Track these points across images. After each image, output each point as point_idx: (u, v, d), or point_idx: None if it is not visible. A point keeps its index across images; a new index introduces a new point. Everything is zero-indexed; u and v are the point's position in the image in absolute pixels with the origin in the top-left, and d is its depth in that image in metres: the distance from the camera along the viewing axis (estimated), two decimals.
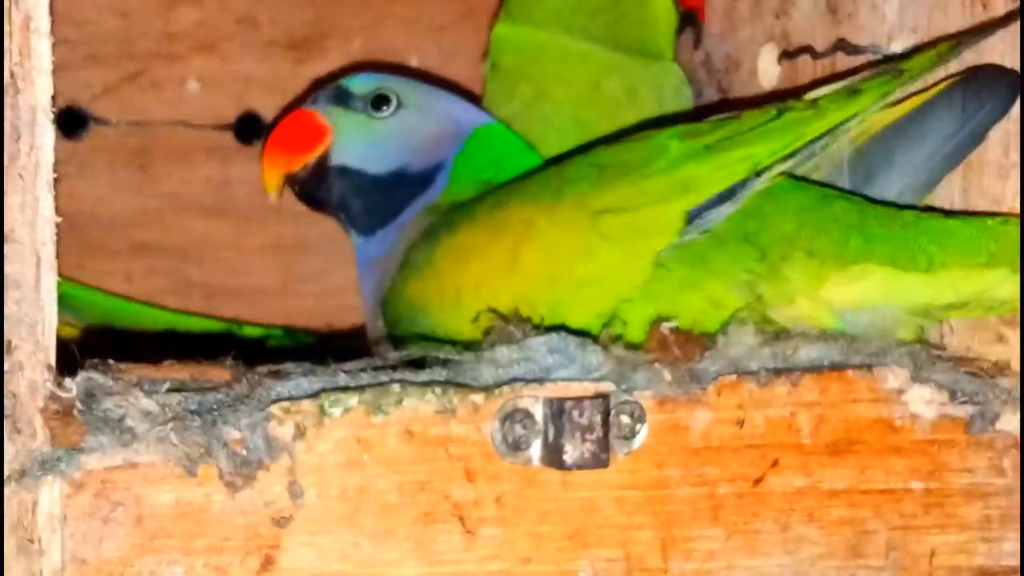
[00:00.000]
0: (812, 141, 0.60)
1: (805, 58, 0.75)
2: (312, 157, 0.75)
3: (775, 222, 0.60)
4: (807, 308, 0.59)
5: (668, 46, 0.81)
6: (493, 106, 0.80)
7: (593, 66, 0.79)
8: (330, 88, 0.76)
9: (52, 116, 0.49)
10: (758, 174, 0.60)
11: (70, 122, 0.90)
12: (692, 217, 0.59)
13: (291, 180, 0.75)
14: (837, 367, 0.57)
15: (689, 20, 0.82)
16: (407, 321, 0.65)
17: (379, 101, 0.74)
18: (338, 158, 0.74)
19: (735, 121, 0.62)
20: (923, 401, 0.57)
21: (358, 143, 0.74)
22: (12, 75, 0.48)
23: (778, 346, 0.57)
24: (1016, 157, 0.61)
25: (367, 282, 0.73)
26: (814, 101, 0.62)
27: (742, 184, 0.60)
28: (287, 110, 0.84)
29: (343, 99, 0.75)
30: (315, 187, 0.75)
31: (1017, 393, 0.58)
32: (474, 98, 0.83)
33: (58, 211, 0.50)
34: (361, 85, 0.75)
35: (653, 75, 0.80)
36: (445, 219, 0.68)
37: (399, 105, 0.74)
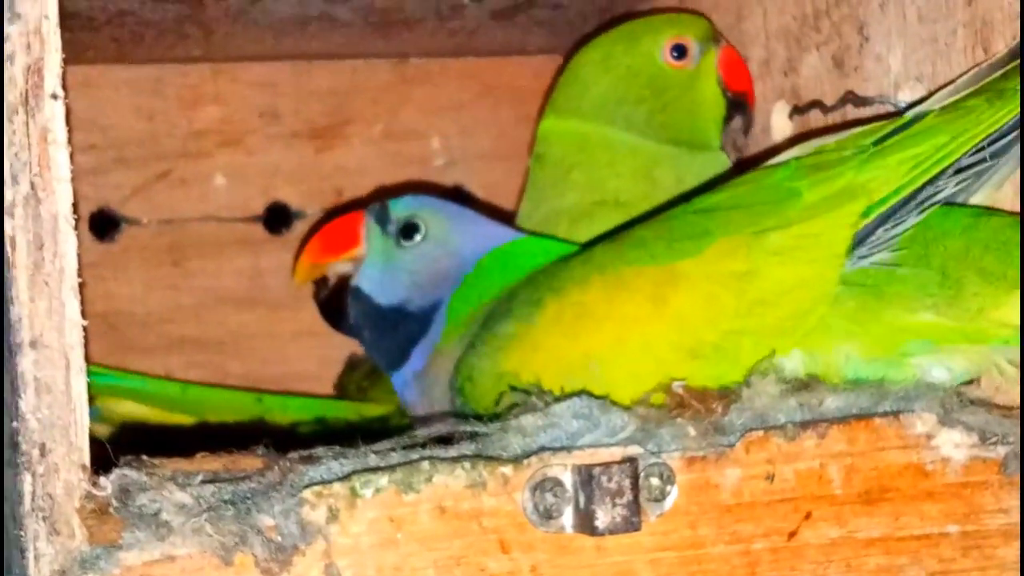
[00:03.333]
0: (988, 138, 0.58)
1: (815, 113, 0.76)
2: (338, 260, 0.74)
3: (943, 245, 0.60)
4: (991, 330, 0.59)
5: (715, 135, 0.80)
6: (540, 198, 0.80)
7: (642, 157, 0.78)
8: (380, 204, 0.74)
9: (74, 223, 0.50)
10: (934, 180, 0.58)
11: (102, 225, 0.92)
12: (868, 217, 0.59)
13: (316, 289, 0.76)
14: (864, 416, 0.57)
15: (738, 107, 0.80)
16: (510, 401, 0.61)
17: (409, 229, 0.73)
18: (359, 279, 0.74)
19: (859, 135, 0.61)
20: (953, 444, 0.57)
21: (379, 269, 0.73)
22: (33, 186, 0.49)
23: (804, 396, 0.57)
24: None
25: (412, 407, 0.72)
26: (954, 104, 0.60)
27: (919, 191, 0.58)
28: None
29: (383, 219, 0.74)
30: (334, 303, 0.75)
31: None
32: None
33: (95, 312, 0.51)
34: (400, 209, 0.74)
35: (699, 165, 0.79)
36: (516, 297, 0.65)
37: (424, 236, 0.72)
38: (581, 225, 0.76)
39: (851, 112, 0.73)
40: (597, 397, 0.55)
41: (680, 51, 0.78)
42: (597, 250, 0.64)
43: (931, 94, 0.63)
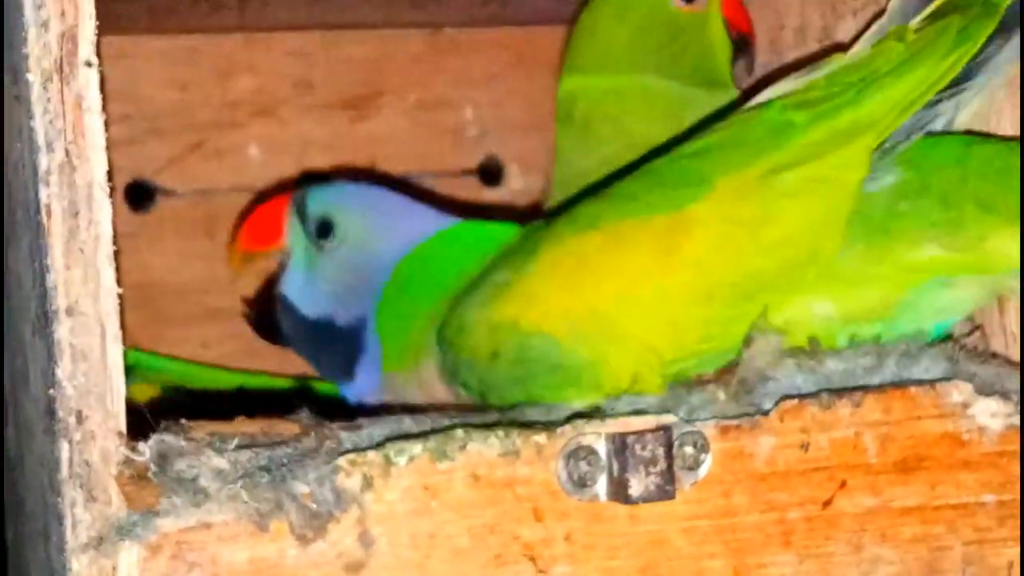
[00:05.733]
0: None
1: None
2: (265, 252, 0.72)
3: (941, 175, 0.59)
4: (993, 259, 0.59)
5: (729, 73, 0.81)
6: (570, 159, 0.80)
7: (672, 99, 0.79)
8: (302, 192, 0.71)
9: (108, 191, 0.50)
10: (937, 99, 0.59)
11: (137, 195, 0.92)
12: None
13: (246, 308, 0.74)
14: (899, 384, 0.57)
15: (740, 47, 0.81)
16: (509, 351, 0.60)
17: (324, 228, 0.69)
18: (285, 285, 0.71)
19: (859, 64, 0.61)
20: (989, 413, 0.57)
21: (302, 274, 0.70)
22: (67, 153, 0.50)
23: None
24: None
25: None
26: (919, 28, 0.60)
27: (924, 112, 0.59)
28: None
29: (302, 212, 0.70)
30: (266, 315, 0.72)
31: None
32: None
33: (130, 283, 0.51)
34: (314, 203, 0.70)
35: (719, 104, 0.79)
36: (509, 254, 0.64)
37: (340, 238, 0.69)
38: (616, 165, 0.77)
39: None
40: None
41: None
42: (580, 210, 0.63)
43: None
